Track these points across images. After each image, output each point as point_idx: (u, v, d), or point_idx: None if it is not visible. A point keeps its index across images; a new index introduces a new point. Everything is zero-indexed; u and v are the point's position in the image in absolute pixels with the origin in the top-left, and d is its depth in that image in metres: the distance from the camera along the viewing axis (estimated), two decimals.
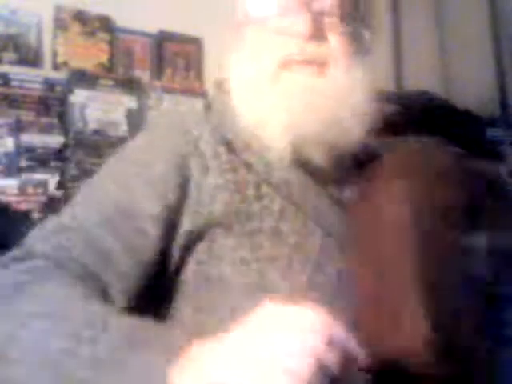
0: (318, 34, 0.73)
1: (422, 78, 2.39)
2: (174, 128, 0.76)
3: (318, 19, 0.73)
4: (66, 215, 0.69)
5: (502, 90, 2.57)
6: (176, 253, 0.70)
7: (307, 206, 0.72)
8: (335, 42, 0.74)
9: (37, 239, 0.66)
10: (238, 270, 0.68)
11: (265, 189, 0.72)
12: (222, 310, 0.67)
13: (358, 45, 0.77)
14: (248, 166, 0.73)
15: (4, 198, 1.69)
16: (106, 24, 2.06)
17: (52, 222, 0.69)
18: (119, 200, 0.69)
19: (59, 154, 1.84)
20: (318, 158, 0.73)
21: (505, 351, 0.66)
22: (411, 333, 0.62)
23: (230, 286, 0.68)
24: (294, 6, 0.74)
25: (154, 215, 0.68)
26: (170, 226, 0.69)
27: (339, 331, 0.50)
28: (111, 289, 0.64)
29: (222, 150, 0.73)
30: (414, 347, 0.61)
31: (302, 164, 0.74)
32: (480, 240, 0.68)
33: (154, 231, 0.67)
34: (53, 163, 1.83)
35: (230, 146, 0.74)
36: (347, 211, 0.73)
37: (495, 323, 0.67)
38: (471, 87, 2.42)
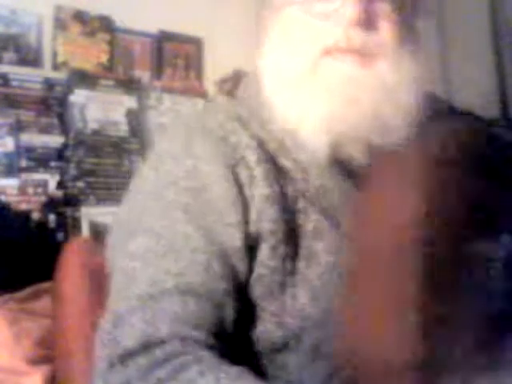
0: (366, 20, 0.65)
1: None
2: (212, 137, 0.68)
3: (367, 4, 0.65)
4: (157, 277, 0.60)
5: (503, 90, 2.57)
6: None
7: (344, 219, 0.67)
8: (385, 30, 0.66)
9: (146, 322, 0.57)
10: (270, 292, 0.64)
11: (301, 203, 0.67)
12: (251, 337, 0.64)
13: (409, 35, 0.69)
14: (285, 174, 0.68)
15: (4, 198, 1.69)
16: (106, 24, 2.06)
17: (140, 288, 0.60)
18: (201, 245, 0.62)
19: (59, 154, 1.84)
20: (358, 156, 0.67)
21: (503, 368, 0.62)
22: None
23: (261, 310, 0.64)
24: None
25: (236, 249, 0.63)
26: (248, 250, 0.65)
27: None
28: (226, 342, 0.59)
29: (261, 154, 0.67)
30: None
31: (339, 164, 0.68)
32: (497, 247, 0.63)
33: (241, 264, 0.63)
34: (53, 163, 1.83)
35: (263, 147, 0.68)
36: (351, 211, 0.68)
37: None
38: (471, 88, 2.42)
